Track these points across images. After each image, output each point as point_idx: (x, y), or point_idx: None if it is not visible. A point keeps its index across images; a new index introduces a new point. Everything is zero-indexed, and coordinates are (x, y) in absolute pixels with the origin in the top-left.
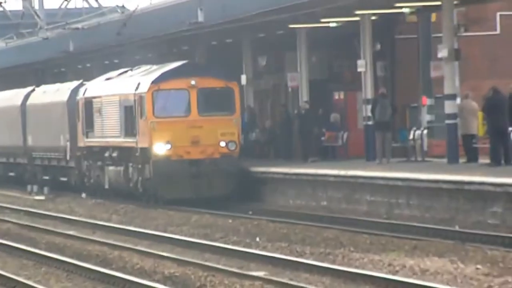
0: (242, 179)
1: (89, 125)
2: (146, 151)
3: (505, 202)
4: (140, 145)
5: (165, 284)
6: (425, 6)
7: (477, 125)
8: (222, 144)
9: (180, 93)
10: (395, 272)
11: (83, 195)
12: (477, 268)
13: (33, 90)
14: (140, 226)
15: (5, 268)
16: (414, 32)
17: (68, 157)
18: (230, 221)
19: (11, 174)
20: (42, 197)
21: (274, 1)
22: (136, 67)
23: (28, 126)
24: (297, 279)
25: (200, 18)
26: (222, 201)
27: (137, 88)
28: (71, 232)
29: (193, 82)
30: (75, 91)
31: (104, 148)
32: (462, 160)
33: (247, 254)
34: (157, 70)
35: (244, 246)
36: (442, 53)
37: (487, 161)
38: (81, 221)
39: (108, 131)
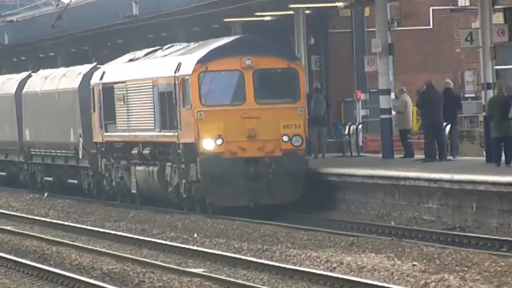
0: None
1: (110, 117)
2: (191, 148)
3: (440, 198)
4: (182, 140)
5: (103, 281)
6: (358, 0)
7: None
8: (285, 138)
9: (233, 75)
10: (333, 269)
11: (46, 194)
12: (414, 265)
13: (30, 75)
14: (78, 221)
15: None
16: (348, 27)
17: (80, 155)
18: (168, 216)
19: (2, 173)
20: None
21: None
22: (168, 45)
23: (25, 118)
24: (235, 276)
25: (135, 11)
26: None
27: (177, 70)
28: (8, 228)
29: (248, 62)
30: (88, 76)
31: (131, 144)
32: (398, 155)
33: (185, 250)
34: (203, 47)
35: (182, 242)
36: (376, 47)
37: (422, 156)
38: (19, 216)
39: (137, 123)
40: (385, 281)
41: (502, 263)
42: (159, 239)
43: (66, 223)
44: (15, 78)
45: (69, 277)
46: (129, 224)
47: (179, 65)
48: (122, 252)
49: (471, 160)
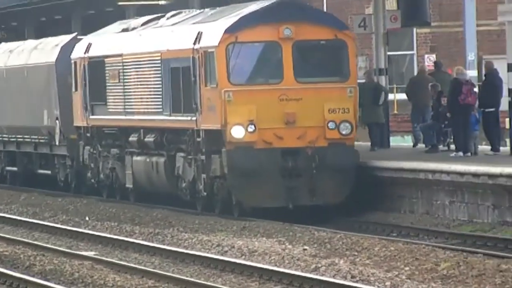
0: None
1: (98, 97)
2: (215, 136)
3: None
4: (203, 126)
5: None
6: None
7: None
8: (331, 126)
9: (269, 47)
10: (224, 253)
11: None
12: (305, 249)
13: None
14: None
15: None
16: None
17: (57, 142)
18: (60, 200)
19: None
20: None
21: None
22: (171, 13)
23: None
24: (126, 259)
25: None
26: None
27: (197, 41)
28: None
29: (287, 32)
30: (67, 48)
31: (127, 130)
32: None
33: (77, 233)
34: (230, 13)
35: (73, 226)
36: None
37: None
38: None
39: (138, 105)
40: (275, 265)
41: (392, 248)
42: (51, 222)
43: None
44: None
45: None
46: (21, 207)
47: (199, 34)
48: (13, 235)
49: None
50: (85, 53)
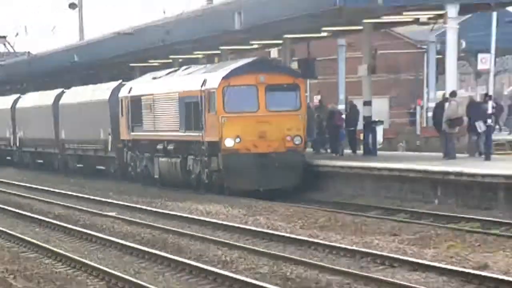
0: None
1: (136, 120)
2: (214, 145)
3: None
4: (207, 139)
5: None
6: None
7: None
8: (288, 138)
9: (250, 89)
10: (190, 213)
11: None
12: (239, 211)
13: (63, 91)
14: None
15: None
16: None
17: (109, 149)
18: (103, 183)
19: (40, 161)
20: None
21: None
22: (184, 67)
23: (61, 122)
24: (134, 217)
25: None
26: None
27: (203, 84)
28: None
29: (262, 78)
30: (116, 90)
31: (155, 141)
32: None
33: (103, 202)
34: (224, 67)
35: (102, 197)
36: None
37: None
38: None
39: (163, 125)
40: (222, 220)
41: (291, 210)
42: (91, 196)
43: None
44: (51, 94)
45: None
46: (74, 187)
47: (204, 81)
48: (67, 203)
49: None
50: (128, 93)
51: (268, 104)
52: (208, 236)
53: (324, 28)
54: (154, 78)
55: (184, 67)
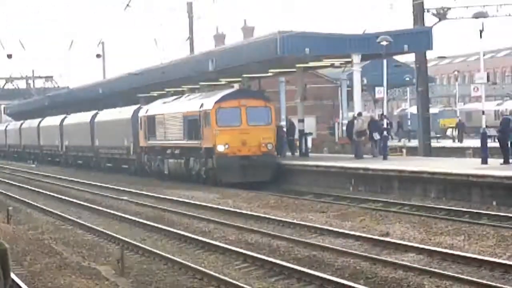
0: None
1: (151, 132)
2: (209, 150)
3: None
4: (204, 146)
5: None
6: None
7: None
8: (263, 145)
9: (235, 110)
10: (179, 197)
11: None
12: (214, 195)
13: (97, 112)
14: None
15: None
16: None
17: (131, 153)
18: (123, 177)
19: (80, 162)
20: (33, 165)
21: None
22: (186, 95)
23: (96, 134)
24: (139, 200)
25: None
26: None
27: (201, 107)
28: None
29: (243, 102)
30: (136, 111)
31: (165, 148)
32: None
33: (119, 190)
34: (215, 94)
35: (116, 185)
36: None
37: None
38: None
39: (171, 136)
40: (201, 202)
41: (252, 194)
42: (110, 185)
43: None
44: (88, 114)
45: None
46: (101, 178)
47: (202, 104)
48: (94, 190)
49: None
50: (145, 113)
51: (249, 121)
52: (192, 213)
53: (270, 70)
54: (164, 102)
55: (186, 94)
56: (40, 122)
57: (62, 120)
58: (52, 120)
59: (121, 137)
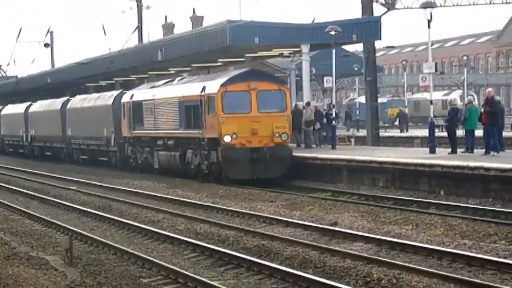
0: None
1: (137, 121)
2: (213, 141)
3: None
4: (207, 136)
5: None
6: None
7: None
8: (277, 135)
9: (244, 94)
10: (129, 186)
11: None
12: (163, 185)
13: (69, 99)
14: None
15: None
16: None
17: (112, 144)
18: (101, 170)
19: (48, 153)
20: None
21: None
22: (179, 78)
23: (68, 123)
24: (131, 189)
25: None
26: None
27: (203, 90)
28: None
29: (253, 85)
30: (119, 97)
31: (155, 138)
32: None
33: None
34: (221, 76)
35: (102, 179)
36: None
37: None
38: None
39: (163, 124)
40: (151, 191)
41: (199, 184)
42: (92, 180)
43: None
44: (58, 101)
45: None
46: (82, 174)
47: (204, 87)
48: (86, 189)
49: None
50: (130, 99)
51: (260, 107)
52: (141, 203)
53: (219, 60)
54: (153, 87)
55: (179, 77)
56: (0, 110)
57: (27, 108)
58: (15, 108)
59: (100, 126)
